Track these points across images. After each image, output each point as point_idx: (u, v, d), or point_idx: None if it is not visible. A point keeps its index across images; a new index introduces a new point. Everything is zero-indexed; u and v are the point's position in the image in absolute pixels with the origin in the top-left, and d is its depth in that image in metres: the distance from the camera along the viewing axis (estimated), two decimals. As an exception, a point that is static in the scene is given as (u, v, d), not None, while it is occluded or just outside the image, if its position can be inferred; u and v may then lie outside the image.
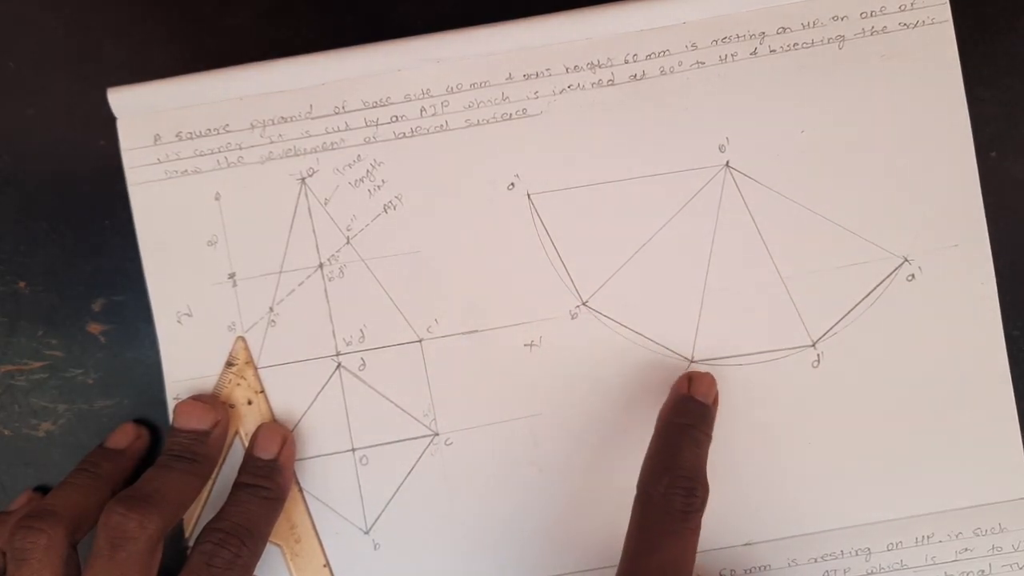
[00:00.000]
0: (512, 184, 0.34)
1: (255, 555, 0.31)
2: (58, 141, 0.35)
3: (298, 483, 0.34)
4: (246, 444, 0.33)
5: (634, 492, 0.30)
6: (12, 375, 0.35)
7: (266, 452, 0.32)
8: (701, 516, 0.29)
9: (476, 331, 0.34)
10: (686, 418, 0.31)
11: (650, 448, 0.31)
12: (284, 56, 0.33)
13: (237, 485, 0.32)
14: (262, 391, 0.34)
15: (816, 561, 0.33)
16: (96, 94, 0.34)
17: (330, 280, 0.34)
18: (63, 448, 0.35)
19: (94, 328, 0.35)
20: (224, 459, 0.34)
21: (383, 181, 0.34)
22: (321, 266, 0.34)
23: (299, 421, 0.34)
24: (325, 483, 0.34)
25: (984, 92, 0.34)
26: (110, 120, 0.34)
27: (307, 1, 0.34)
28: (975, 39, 0.34)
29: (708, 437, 0.31)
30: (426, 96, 0.34)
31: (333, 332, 0.34)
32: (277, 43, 0.34)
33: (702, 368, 0.33)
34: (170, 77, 0.33)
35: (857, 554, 0.33)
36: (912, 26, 0.33)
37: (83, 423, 0.35)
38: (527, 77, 0.33)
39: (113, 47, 0.35)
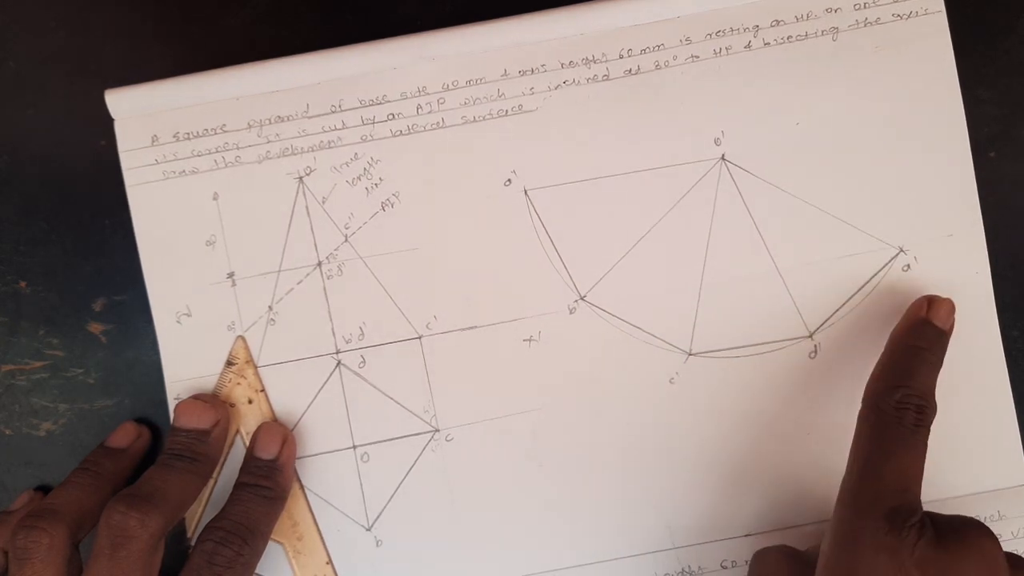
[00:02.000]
0: (509, 180, 0.34)
1: (256, 554, 0.31)
2: (58, 141, 0.35)
3: (299, 481, 0.34)
4: (247, 443, 0.33)
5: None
6: (13, 375, 0.35)
7: (267, 452, 0.32)
8: (928, 433, 0.29)
9: (475, 327, 0.34)
10: (921, 340, 0.31)
11: (880, 366, 0.31)
12: (283, 56, 0.34)
13: (238, 485, 0.32)
14: (262, 390, 0.34)
15: (817, 551, 0.34)
16: (96, 94, 0.34)
17: (329, 278, 0.34)
18: (64, 448, 0.35)
19: (95, 328, 0.35)
20: (225, 458, 0.34)
21: (380, 179, 0.34)
22: (320, 264, 0.34)
23: (300, 419, 0.34)
24: (326, 480, 0.34)
25: (984, 92, 0.34)
26: (110, 120, 0.34)
27: (307, 2, 0.35)
28: (975, 39, 0.34)
29: (940, 361, 0.31)
30: (422, 94, 0.34)
31: (332, 330, 0.34)
32: (277, 43, 0.34)
33: (700, 360, 0.34)
34: (168, 78, 0.34)
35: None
36: (905, 17, 0.33)
37: (84, 423, 0.35)
38: (522, 73, 0.34)
39: (113, 47, 0.35)
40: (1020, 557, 0.28)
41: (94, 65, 0.35)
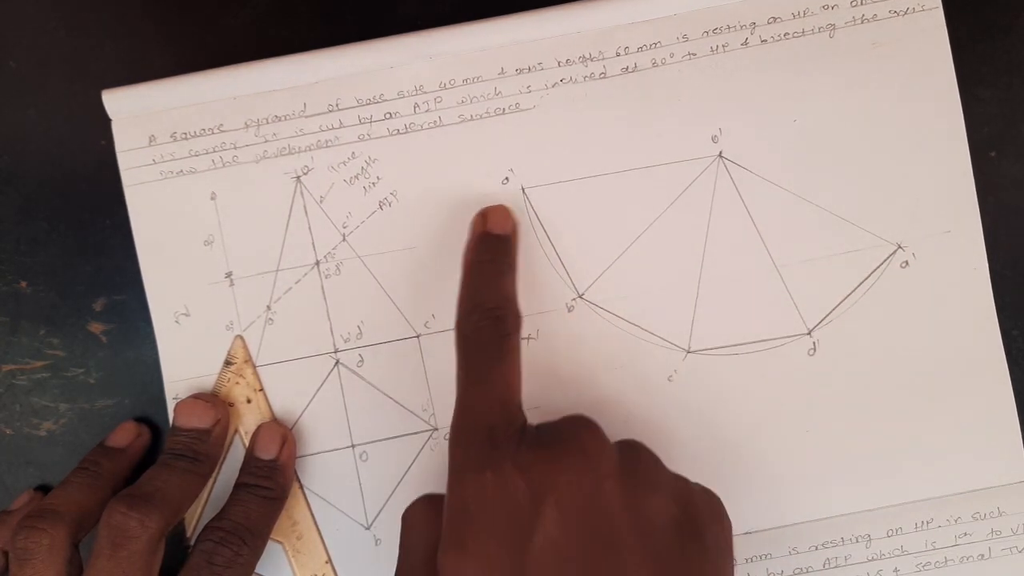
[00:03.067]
0: (506, 178, 0.34)
1: (256, 554, 0.31)
2: (58, 141, 0.35)
3: (299, 480, 0.34)
4: (246, 443, 0.34)
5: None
6: (13, 374, 0.35)
7: (266, 452, 0.32)
8: (518, 338, 0.29)
9: (473, 325, 0.34)
10: (483, 254, 0.31)
11: (460, 292, 0.31)
12: (282, 56, 0.34)
13: (238, 485, 0.32)
14: (261, 389, 0.34)
15: (817, 548, 0.34)
16: (96, 94, 0.34)
17: (327, 277, 0.34)
18: (64, 447, 0.35)
19: (95, 327, 0.35)
20: (224, 458, 0.34)
21: (378, 178, 0.34)
22: (318, 264, 0.34)
23: (298, 419, 0.34)
24: (326, 480, 0.34)
25: (984, 92, 0.34)
26: (110, 120, 0.34)
27: (306, 2, 0.35)
28: (975, 39, 0.34)
29: (511, 267, 0.31)
30: (419, 92, 0.34)
31: (331, 329, 0.34)
32: (276, 43, 0.34)
33: (698, 357, 0.34)
34: (165, 78, 0.34)
35: (857, 540, 0.34)
36: (902, 13, 0.33)
37: (84, 422, 0.35)
38: (519, 71, 0.34)
39: (113, 47, 0.35)
40: (631, 441, 0.28)
41: (94, 65, 0.35)
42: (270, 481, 0.32)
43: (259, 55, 0.34)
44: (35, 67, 0.35)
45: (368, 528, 0.34)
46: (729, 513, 0.27)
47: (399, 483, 0.34)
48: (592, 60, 0.33)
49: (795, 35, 0.33)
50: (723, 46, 0.33)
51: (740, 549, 0.34)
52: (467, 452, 0.27)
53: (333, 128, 0.34)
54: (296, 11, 0.35)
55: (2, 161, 0.35)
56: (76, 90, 0.35)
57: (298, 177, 0.34)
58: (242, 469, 0.33)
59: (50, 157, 0.35)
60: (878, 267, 0.33)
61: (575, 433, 0.27)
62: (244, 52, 0.34)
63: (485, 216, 0.32)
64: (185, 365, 0.34)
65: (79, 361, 0.35)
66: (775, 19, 0.33)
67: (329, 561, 0.34)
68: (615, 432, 0.34)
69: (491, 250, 0.31)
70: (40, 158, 0.35)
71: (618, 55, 0.33)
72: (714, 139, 0.33)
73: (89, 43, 0.35)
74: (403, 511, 0.29)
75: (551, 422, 0.28)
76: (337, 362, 0.34)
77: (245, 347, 0.34)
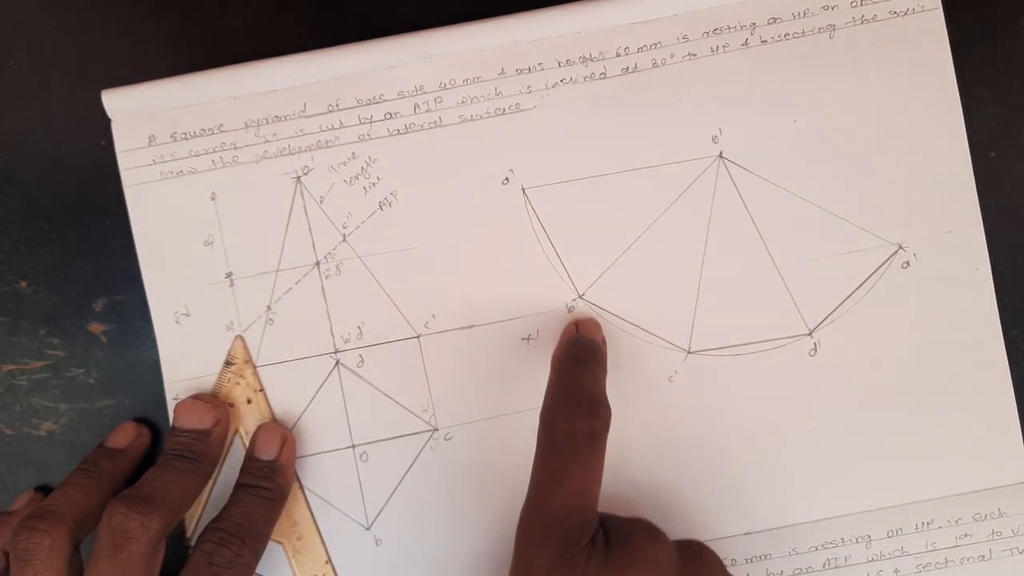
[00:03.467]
0: (507, 179, 0.34)
1: (256, 555, 0.31)
2: (58, 141, 0.35)
3: (299, 481, 0.34)
4: (246, 443, 0.33)
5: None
6: (13, 374, 0.35)
7: (266, 453, 0.32)
8: (606, 439, 0.29)
9: (473, 326, 0.34)
10: (580, 351, 0.31)
11: (549, 384, 0.31)
12: (282, 56, 0.34)
13: (238, 486, 0.32)
14: (261, 390, 0.34)
15: (817, 549, 0.34)
16: (96, 94, 0.34)
17: (327, 278, 0.34)
18: (64, 447, 0.35)
19: (95, 327, 0.35)
20: (224, 458, 0.34)
21: (378, 178, 0.34)
22: (318, 264, 0.34)
23: (299, 419, 0.34)
24: (326, 480, 0.34)
25: (984, 92, 0.34)
26: (110, 120, 0.34)
27: (307, 2, 0.35)
28: (975, 39, 0.34)
29: (604, 369, 0.31)
30: (419, 93, 0.34)
31: (331, 330, 0.34)
32: (276, 43, 0.34)
33: (699, 358, 0.34)
34: (165, 78, 0.34)
35: (858, 541, 0.33)
36: (902, 14, 0.33)
37: (84, 422, 0.35)
38: (520, 72, 0.33)
39: (113, 47, 0.35)
40: (691, 541, 0.28)
41: (94, 65, 0.35)
42: (270, 482, 0.32)
43: (259, 55, 0.34)
44: (35, 67, 0.35)
45: (368, 528, 0.34)
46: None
47: (399, 483, 0.34)
48: (592, 60, 0.33)
49: (795, 36, 0.33)
50: (723, 46, 0.33)
51: (740, 550, 0.34)
52: (536, 556, 0.27)
53: (333, 128, 0.34)
54: (296, 11, 0.35)
55: (2, 161, 0.35)
56: (76, 90, 0.35)
57: (298, 177, 0.34)
58: (242, 470, 0.33)
59: (50, 157, 0.35)
60: (879, 268, 0.33)
61: (644, 550, 0.27)
62: (244, 52, 0.34)
63: (577, 324, 0.33)
64: (185, 365, 0.34)
65: (79, 361, 0.35)
66: (775, 19, 0.33)
67: (329, 561, 0.34)
68: (615, 433, 0.34)
69: (586, 351, 0.31)
70: (40, 158, 0.35)
71: (618, 55, 0.33)
72: (714, 139, 0.33)
73: (89, 43, 0.35)
74: None
75: (621, 526, 0.28)
76: (337, 362, 0.34)
77: (245, 347, 0.34)
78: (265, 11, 0.35)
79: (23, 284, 0.35)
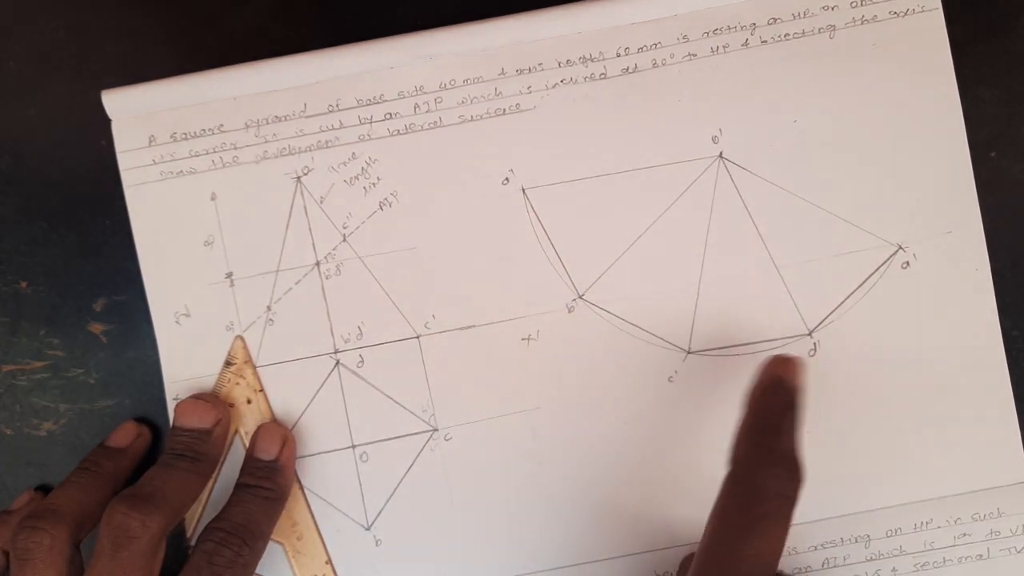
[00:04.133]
0: (507, 179, 0.34)
1: (256, 554, 0.31)
2: (58, 141, 0.35)
3: (299, 481, 0.34)
4: (246, 443, 0.34)
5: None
6: (14, 375, 0.35)
7: (266, 453, 0.32)
8: (796, 504, 0.27)
9: (473, 326, 0.34)
10: (788, 400, 0.29)
11: (745, 428, 0.28)
12: (283, 56, 0.34)
13: (239, 486, 0.32)
14: (261, 390, 0.34)
15: (816, 549, 0.34)
16: (96, 94, 0.34)
17: (327, 278, 0.34)
18: (64, 448, 0.35)
19: (95, 328, 0.35)
20: (225, 458, 0.34)
21: (378, 178, 0.34)
22: (318, 264, 0.34)
23: (299, 419, 0.34)
24: (325, 480, 0.34)
25: (984, 92, 0.34)
26: (110, 120, 0.34)
27: (307, 2, 0.35)
28: (975, 39, 0.34)
29: (801, 421, 0.29)
30: (419, 93, 0.34)
31: (331, 330, 0.34)
32: (276, 44, 0.34)
33: (699, 358, 0.34)
34: (165, 78, 0.34)
35: (856, 541, 0.34)
36: (902, 15, 0.33)
37: (84, 423, 0.35)
38: (520, 72, 0.33)
39: (113, 47, 0.35)
40: None
41: (94, 65, 0.35)
42: (270, 482, 0.32)
43: (259, 55, 0.34)
44: (35, 67, 0.35)
45: (368, 528, 0.34)
46: None
47: (399, 483, 0.34)
48: (592, 61, 0.33)
49: (795, 36, 0.33)
50: (723, 47, 0.33)
51: (740, 549, 0.34)
52: None
53: (333, 128, 0.34)
54: (296, 11, 0.35)
55: (2, 161, 0.35)
56: (76, 90, 0.35)
57: (298, 177, 0.34)
58: (242, 470, 0.33)
59: (50, 157, 0.35)
60: (879, 268, 0.33)
61: None
62: (244, 52, 0.34)
63: (785, 363, 0.30)
64: (185, 365, 0.34)
65: (79, 361, 0.35)
66: (775, 20, 0.33)
67: (329, 561, 0.34)
68: (616, 433, 0.34)
69: (792, 396, 0.29)
70: (40, 158, 0.35)
71: (618, 56, 0.33)
72: (714, 139, 0.33)
73: (89, 43, 0.35)
74: None
75: None
76: (337, 363, 0.34)
77: (245, 348, 0.34)
78: (265, 11, 0.35)
79: (23, 284, 0.35)
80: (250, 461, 0.33)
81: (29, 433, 0.35)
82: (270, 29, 0.35)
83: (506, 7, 0.33)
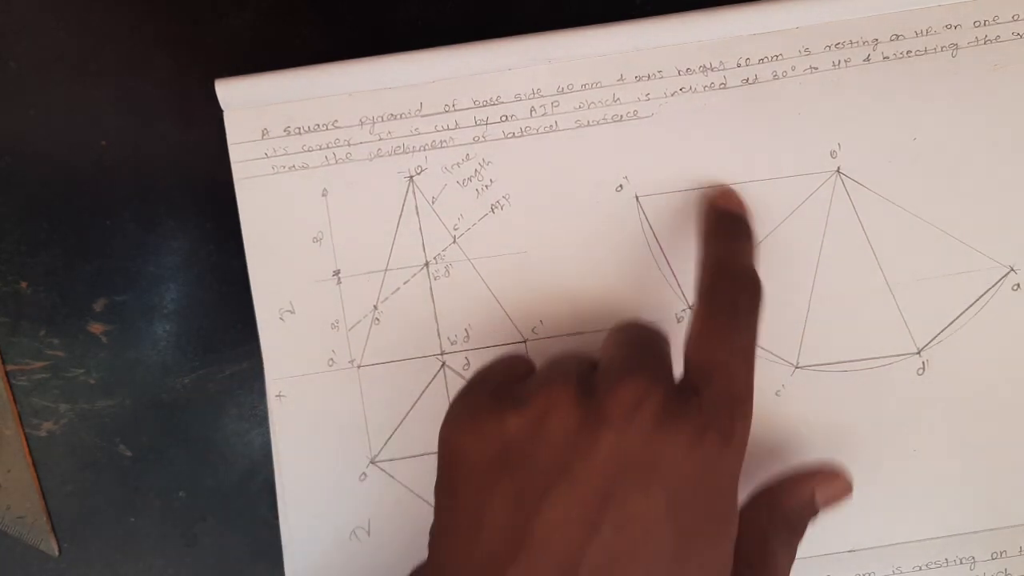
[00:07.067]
0: (620, 186, 0.33)
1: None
2: (59, 141, 0.35)
3: (388, 474, 0.34)
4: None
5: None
6: (14, 375, 0.35)
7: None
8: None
9: (581, 333, 0.34)
10: (731, 227, 0.31)
11: (704, 263, 0.30)
12: (285, 56, 0.33)
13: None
14: None
15: (920, 569, 0.33)
16: (96, 94, 0.33)
17: (435, 279, 0.34)
18: (65, 448, 0.35)
19: (95, 328, 0.35)
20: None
21: (491, 181, 0.33)
22: (427, 265, 0.34)
23: (403, 420, 0.34)
24: (429, 481, 0.33)
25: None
26: (111, 120, 0.34)
27: (308, 2, 0.34)
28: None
29: (754, 240, 0.32)
30: (536, 96, 0.33)
31: (438, 331, 0.34)
32: (277, 44, 0.34)
33: (807, 373, 0.33)
34: (279, 70, 0.33)
35: (961, 562, 0.33)
36: (1027, 36, 0.33)
37: (85, 423, 0.35)
38: (638, 79, 0.33)
39: (113, 47, 0.34)
40: None
41: (94, 65, 0.34)
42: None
43: (259, 56, 0.33)
44: (35, 67, 0.35)
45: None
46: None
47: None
48: (712, 70, 0.33)
49: (917, 53, 0.33)
50: (845, 61, 0.33)
51: (843, 567, 0.34)
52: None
53: (448, 129, 0.33)
54: (297, 11, 0.34)
55: (3, 161, 0.35)
56: (76, 90, 0.34)
57: (411, 177, 0.34)
58: None
59: (50, 157, 0.35)
60: (989, 289, 0.33)
61: None
62: (244, 53, 0.34)
63: (719, 196, 0.32)
64: (287, 362, 0.34)
65: (79, 361, 0.35)
66: (898, 36, 0.33)
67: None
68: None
69: (735, 223, 0.31)
70: (40, 158, 0.35)
71: (739, 66, 0.33)
72: (832, 154, 0.33)
73: (89, 43, 0.34)
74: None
75: None
76: (443, 364, 0.34)
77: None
78: (265, 11, 0.34)
79: (23, 284, 0.35)
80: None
81: (29, 433, 0.35)
82: (269, 30, 0.34)
83: (505, 15, 0.33)
